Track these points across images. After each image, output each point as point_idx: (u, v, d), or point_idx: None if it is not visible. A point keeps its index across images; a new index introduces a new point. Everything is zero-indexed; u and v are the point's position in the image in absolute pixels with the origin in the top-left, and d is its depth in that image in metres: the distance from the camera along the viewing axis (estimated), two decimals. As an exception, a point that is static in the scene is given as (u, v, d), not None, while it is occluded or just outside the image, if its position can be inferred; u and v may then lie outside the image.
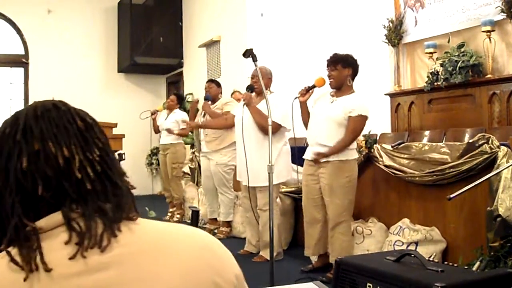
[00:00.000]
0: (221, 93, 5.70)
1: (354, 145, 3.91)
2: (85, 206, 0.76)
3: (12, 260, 0.72)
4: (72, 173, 0.77)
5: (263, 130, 4.30)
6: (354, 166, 3.87)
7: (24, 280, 0.71)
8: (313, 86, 3.95)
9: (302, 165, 4.17)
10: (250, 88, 4.46)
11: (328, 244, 3.96)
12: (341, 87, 3.91)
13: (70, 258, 0.72)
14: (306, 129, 4.06)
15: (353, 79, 3.94)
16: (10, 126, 0.80)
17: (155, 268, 0.75)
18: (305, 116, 4.05)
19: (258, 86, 4.35)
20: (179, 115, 6.68)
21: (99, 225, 0.75)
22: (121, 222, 0.77)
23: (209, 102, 5.48)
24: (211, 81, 5.84)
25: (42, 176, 0.76)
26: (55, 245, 0.73)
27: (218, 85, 5.71)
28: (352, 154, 3.85)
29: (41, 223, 0.75)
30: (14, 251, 0.73)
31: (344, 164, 3.78)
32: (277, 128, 4.22)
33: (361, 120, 3.76)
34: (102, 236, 0.74)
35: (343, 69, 3.86)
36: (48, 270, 0.71)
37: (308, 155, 3.98)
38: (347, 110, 3.76)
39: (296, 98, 3.96)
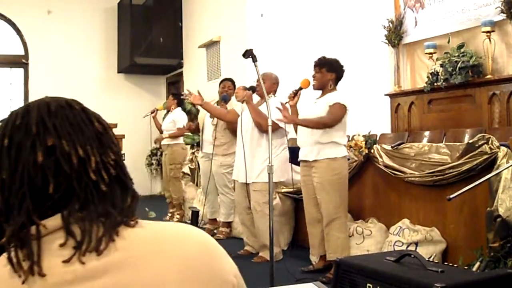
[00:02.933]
0: (233, 94, 5.46)
1: (343, 141, 3.97)
2: (90, 209, 0.74)
3: (11, 263, 0.70)
4: (84, 174, 0.75)
5: (260, 128, 4.35)
6: (343, 164, 3.94)
7: (23, 283, 0.69)
8: (300, 88, 4.06)
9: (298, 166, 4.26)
10: (251, 88, 4.50)
11: (325, 242, 4.00)
12: (323, 90, 4.04)
13: (65, 261, 0.70)
14: (296, 132, 4.19)
15: (336, 84, 4.05)
16: (21, 118, 0.77)
17: (153, 272, 0.73)
18: None
19: (261, 89, 4.37)
20: (177, 114, 6.67)
21: (99, 229, 0.73)
22: (120, 227, 0.75)
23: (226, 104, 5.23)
24: (229, 80, 5.61)
25: (54, 173, 0.74)
26: (54, 249, 0.71)
27: (235, 86, 5.52)
28: (341, 152, 3.92)
29: (43, 224, 0.72)
30: (13, 252, 0.71)
31: (333, 162, 3.87)
32: (275, 128, 4.24)
33: (340, 107, 3.85)
34: (100, 240, 0.72)
35: (326, 73, 3.99)
36: (42, 275, 0.69)
37: (301, 156, 4.08)
38: (329, 104, 3.89)
39: (286, 103, 4.06)
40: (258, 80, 4.46)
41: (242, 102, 4.54)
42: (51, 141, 0.74)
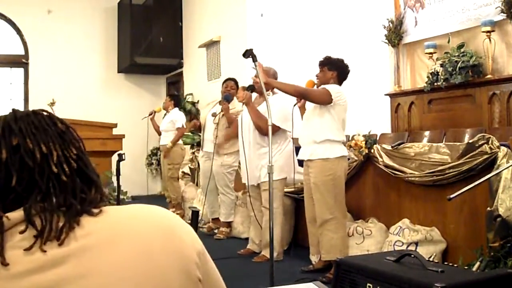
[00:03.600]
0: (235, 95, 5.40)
1: (338, 139, 3.95)
2: (51, 200, 0.77)
3: None
4: (47, 167, 0.79)
5: (260, 131, 4.36)
6: (338, 164, 3.91)
7: None
8: None
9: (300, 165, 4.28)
10: (250, 88, 4.49)
11: (319, 241, 4.02)
12: None
13: (26, 250, 0.72)
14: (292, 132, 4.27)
15: (340, 83, 4.04)
16: None
17: (114, 258, 0.75)
18: None
19: (260, 86, 4.37)
20: (175, 114, 6.68)
21: (60, 218, 0.76)
22: (82, 216, 0.78)
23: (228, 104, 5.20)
24: (232, 80, 5.58)
25: (17, 168, 0.78)
26: (16, 240, 0.74)
27: (238, 86, 5.49)
28: (335, 152, 3.90)
29: (6, 216, 0.75)
30: None
31: (327, 162, 3.87)
32: (275, 129, 4.25)
33: (323, 89, 3.87)
34: (61, 230, 0.74)
35: (328, 71, 4.01)
36: (5, 264, 0.71)
37: (299, 155, 4.12)
38: None
39: (295, 104, 4.12)
40: (256, 76, 4.45)
41: (242, 105, 4.54)
42: (16, 141, 0.80)
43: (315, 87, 4.07)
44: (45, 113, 0.87)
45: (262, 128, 4.29)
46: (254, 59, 3.47)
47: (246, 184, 4.67)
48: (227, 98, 5.19)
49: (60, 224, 0.75)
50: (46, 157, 0.79)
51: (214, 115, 5.35)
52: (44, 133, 0.82)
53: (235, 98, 5.31)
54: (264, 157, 4.34)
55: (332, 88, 3.87)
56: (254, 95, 4.63)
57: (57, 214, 0.76)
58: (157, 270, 0.76)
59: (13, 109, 0.88)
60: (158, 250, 0.78)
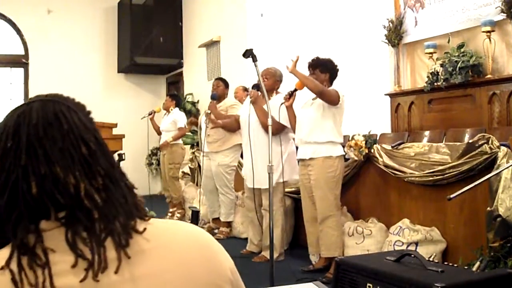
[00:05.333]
0: (227, 93, 5.63)
1: (339, 140, 4.01)
2: (94, 229, 0.76)
3: (14, 280, 0.71)
4: (78, 200, 0.76)
5: (267, 129, 4.34)
6: (338, 163, 3.98)
7: None
8: (295, 90, 4.11)
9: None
10: (257, 87, 4.49)
11: (319, 239, 4.03)
12: None
13: (81, 281, 0.72)
14: (294, 132, 4.24)
15: (331, 83, 4.09)
16: (12, 139, 0.79)
17: (157, 268, 0.77)
18: (293, 119, 4.23)
19: (266, 85, 4.37)
20: (176, 114, 6.68)
21: (107, 248, 0.75)
22: (131, 239, 0.77)
23: (215, 102, 5.38)
24: (220, 79, 5.73)
25: (53, 200, 0.76)
26: (62, 269, 0.73)
27: (227, 85, 5.62)
28: (336, 151, 3.98)
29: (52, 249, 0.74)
30: (14, 266, 0.72)
31: (329, 160, 3.93)
32: (281, 128, 4.28)
33: (334, 90, 3.92)
34: (106, 259, 0.75)
35: (320, 73, 4.04)
36: None
37: (299, 154, 4.15)
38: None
39: (282, 103, 4.13)
40: (263, 76, 4.46)
41: (251, 102, 4.51)
42: (44, 170, 0.76)
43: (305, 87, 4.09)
44: (67, 125, 0.81)
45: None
46: (254, 59, 3.48)
47: (245, 184, 4.66)
48: (213, 97, 5.37)
49: (110, 254, 0.75)
50: (77, 189, 0.77)
51: (207, 115, 5.42)
52: (70, 157, 0.78)
53: (230, 101, 5.51)
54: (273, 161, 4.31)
55: (339, 90, 3.94)
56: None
57: (103, 245, 0.75)
58: (193, 282, 0.79)
59: (35, 106, 0.82)
60: (196, 263, 0.80)
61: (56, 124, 0.80)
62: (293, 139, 4.49)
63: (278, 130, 4.25)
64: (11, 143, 0.78)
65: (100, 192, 0.79)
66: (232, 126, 5.08)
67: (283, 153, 4.35)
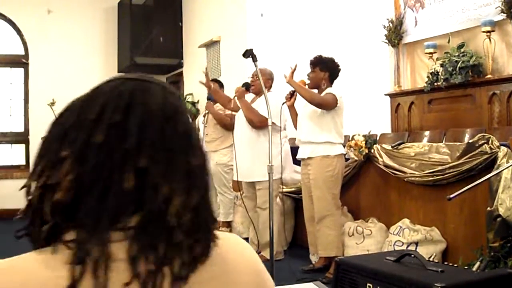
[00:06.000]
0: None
1: (337, 141, 4.01)
2: (158, 251, 0.67)
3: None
4: (163, 212, 0.68)
5: (252, 124, 4.44)
6: (337, 162, 4.00)
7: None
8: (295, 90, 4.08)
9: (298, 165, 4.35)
10: (245, 85, 4.61)
11: (316, 238, 4.04)
12: (317, 89, 4.10)
13: None
14: (295, 127, 4.31)
15: (331, 83, 4.11)
16: (122, 114, 0.69)
17: None
18: (295, 118, 4.29)
19: (255, 85, 4.50)
20: None
21: (165, 276, 0.67)
22: (193, 273, 0.69)
23: (212, 102, 5.49)
24: (214, 80, 5.79)
25: (136, 201, 0.67)
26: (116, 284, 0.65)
27: (221, 85, 5.75)
28: (335, 150, 4.00)
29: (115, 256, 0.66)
30: (77, 273, 0.64)
31: (327, 159, 3.96)
32: (265, 121, 4.28)
33: (331, 95, 3.95)
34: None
35: (320, 72, 4.08)
36: None
37: (298, 154, 4.18)
38: None
39: (283, 103, 4.20)
40: (253, 76, 4.54)
41: (233, 97, 4.65)
42: (144, 163, 0.67)
43: (306, 86, 4.10)
44: (182, 129, 0.72)
45: (254, 121, 4.40)
46: (254, 59, 3.48)
47: (243, 184, 4.68)
48: (210, 98, 5.48)
49: (165, 283, 0.67)
50: (165, 201, 0.67)
51: (204, 115, 5.61)
52: (174, 165, 0.69)
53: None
54: (258, 154, 4.36)
55: (336, 92, 3.97)
56: (250, 95, 4.69)
57: (163, 272, 0.67)
58: None
59: (155, 91, 0.72)
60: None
61: (173, 122, 0.72)
62: (285, 137, 4.53)
63: (262, 122, 4.27)
64: (119, 119, 0.69)
65: (190, 212, 0.69)
66: (233, 122, 5.12)
67: (273, 149, 4.38)
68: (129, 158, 0.67)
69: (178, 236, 0.68)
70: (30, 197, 0.70)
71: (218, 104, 5.48)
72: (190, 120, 0.76)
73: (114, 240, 0.66)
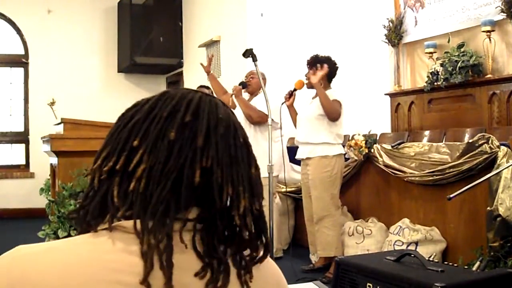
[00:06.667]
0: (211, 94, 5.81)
1: (336, 141, 4.02)
2: (225, 249, 0.72)
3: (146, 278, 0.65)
4: (228, 214, 0.72)
5: (250, 120, 4.47)
6: (336, 162, 3.99)
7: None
8: (294, 90, 4.13)
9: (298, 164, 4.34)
10: (242, 84, 4.62)
11: (315, 239, 4.04)
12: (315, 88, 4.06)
13: None
14: (295, 125, 4.29)
15: (330, 81, 4.11)
16: (192, 115, 0.74)
17: None
18: (295, 118, 4.27)
19: (251, 84, 4.56)
20: None
21: (231, 268, 0.72)
22: (250, 275, 0.74)
23: None
24: (204, 87, 5.97)
25: (201, 199, 0.72)
26: (185, 274, 0.69)
27: (208, 88, 5.86)
28: (333, 150, 3.99)
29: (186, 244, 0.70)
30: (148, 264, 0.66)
31: (325, 159, 3.95)
32: (263, 117, 4.29)
33: (336, 102, 3.95)
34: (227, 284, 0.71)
35: (317, 70, 4.02)
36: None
37: (297, 154, 4.18)
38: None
39: (283, 103, 4.18)
40: (247, 75, 4.53)
41: (231, 96, 4.68)
42: (209, 163, 0.72)
43: (304, 86, 4.10)
44: (243, 139, 0.78)
45: (252, 116, 4.43)
46: (254, 59, 3.49)
47: None
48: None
49: (232, 275, 0.72)
50: (231, 201, 0.72)
51: None
52: (237, 169, 0.74)
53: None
54: (256, 152, 4.36)
55: (338, 96, 3.98)
56: (245, 96, 4.73)
57: (229, 264, 0.72)
58: None
59: (216, 105, 0.77)
60: None
61: (234, 132, 0.77)
62: (282, 135, 4.53)
63: (261, 118, 4.29)
64: (189, 119, 0.73)
65: (252, 215, 0.74)
66: None
67: (270, 147, 4.39)
68: (197, 156, 0.71)
69: (244, 234, 0.73)
70: (93, 180, 0.73)
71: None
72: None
73: (176, 229, 0.69)
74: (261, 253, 0.77)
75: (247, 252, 0.75)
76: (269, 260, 0.82)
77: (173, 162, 0.70)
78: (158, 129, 0.72)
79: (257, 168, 0.78)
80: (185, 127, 0.73)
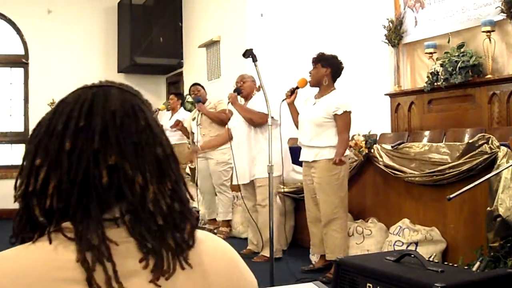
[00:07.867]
0: (206, 94, 5.94)
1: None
2: (156, 237, 0.74)
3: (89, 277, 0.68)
4: (143, 202, 0.74)
5: (251, 123, 4.49)
6: (342, 165, 3.93)
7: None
8: (297, 87, 4.10)
9: (300, 165, 4.31)
10: (237, 91, 4.68)
11: (323, 241, 4.02)
12: (319, 86, 4.06)
13: (151, 281, 0.71)
14: (297, 127, 4.26)
15: (334, 80, 4.08)
16: (85, 119, 0.75)
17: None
18: (295, 116, 4.23)
19: (244, 88, 4.65)
20: (183, 115, 6.69)
21: (168, 256, 0.74)
22: (185, 254, 0.76)
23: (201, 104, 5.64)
24: (197, 84, 6.05)
25: (117, 196, 0.73)
26: (128, 268, 0.71)
27: (203, 87, 5.99)
28: None
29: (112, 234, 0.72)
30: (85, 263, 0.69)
31: (331, 162, 3.88)
32: (264, 118, 4.29)
33: (348, 115, 3.94)
34: (169, 266, 0.73)
35: (321, 68, 4.03)
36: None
37: (302, 156, 4.13)
38: (331, 110, 3.92)
39: (283, 100, 4.13)
40: (238, 81, 4.68)
41: (228, 103, 4.74)
42: (114, 160, 0.73)
43: (308, 84, 4.08)
44: (144, 121, 0.78)
45: (253, 119, 4.47)
46: (254, 59, 3.48)
47: (237, 183, 4.70)
48: (199, 100, 5.65)
49: (169, 261, 0.74)
50: (142, 190, 0.74)
51: (194, 119, 5.71)
52: (142, 156, 0.75)
53: (214, 98, 5.80)
54: (258, 152, 4.41)
55: (348, 105, 3.93)
56: (241, 101, 4.78)
57: (164, 252, 0.74)
58: None
59: (111, 94, 0.79)
60: (222, 280, 0.80)
61: (133, 117, 0.77)
62: (282, 138, 4.53)
63: (262, 118, 4.30)
64: (83, 124, 0.74)
65: (166, 198, 0.76)
66: (228, 118, 5.15)
67: (270, 147, 4.39)
68: (100, 157, 0.73)
69: (158, 221, 0.74)
70: (19, 207, 0.77)
71: (208, 103, 5.64)
72: (153, 115, 0.82)
73: (107, 227, 0.72)
74: (189, 227, 0.77)
75: (180, 234, 0.76)
76: (217, 238, 0.84)
77: (75, 171, 0.72)
78: (56, 144, 0.74)
79: (163, 146, 0.78)
80: (79, 133, 0.74)
